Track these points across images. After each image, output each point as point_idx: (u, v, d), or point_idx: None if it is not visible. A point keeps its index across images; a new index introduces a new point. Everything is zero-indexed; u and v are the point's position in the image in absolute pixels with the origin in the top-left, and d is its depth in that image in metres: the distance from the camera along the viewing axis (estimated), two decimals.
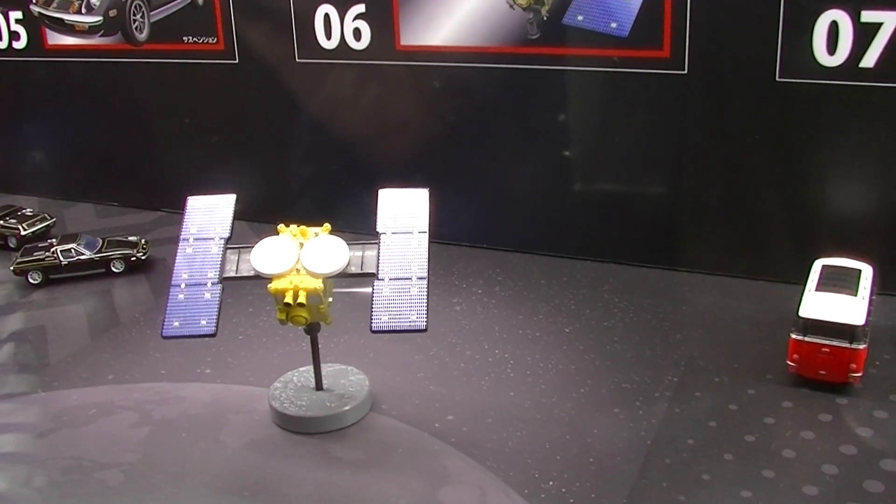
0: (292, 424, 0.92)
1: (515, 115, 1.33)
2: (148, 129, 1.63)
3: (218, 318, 0.83)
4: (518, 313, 1.17)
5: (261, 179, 1.55)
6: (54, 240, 1.39)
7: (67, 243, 1.37)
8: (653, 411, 0.94)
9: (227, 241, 0.87)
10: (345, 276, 0.86)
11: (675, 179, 1.27)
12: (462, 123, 1.37)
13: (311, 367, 0.96)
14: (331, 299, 0.89)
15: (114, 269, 1.37)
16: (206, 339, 0.85)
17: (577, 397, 0.97)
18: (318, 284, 0.83)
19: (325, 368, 0.97)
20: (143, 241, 1.42)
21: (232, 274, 0.86)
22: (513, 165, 1.36)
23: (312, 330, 0.91)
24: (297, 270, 0.84)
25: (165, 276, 1.36)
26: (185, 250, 0.87)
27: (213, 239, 0.87)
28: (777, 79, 1.14)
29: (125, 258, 1.37)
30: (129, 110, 1.64)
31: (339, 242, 0.86)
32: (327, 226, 0.88)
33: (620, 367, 1.02)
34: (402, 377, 1.02)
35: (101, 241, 1.40)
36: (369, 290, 0.85)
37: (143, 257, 1.38)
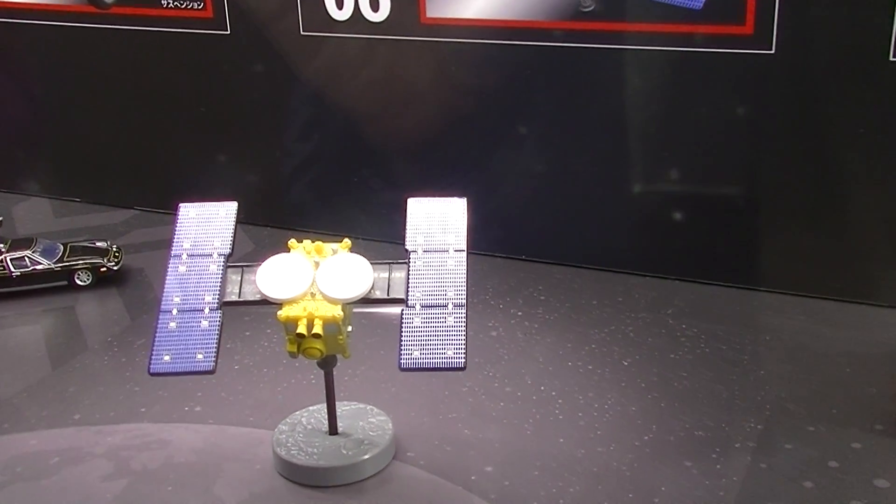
0: (301, 476, 0.93)
1: (562, 102, 1.33)
2: (118, 110, 1.64)
3: (217, 352, 0.84)
4: (566, 341, 1.18)
5: (256, 174, 1.57)
6: (2, 245, 1.40)
7: (20, 249, 1.38)
8: (732, 466, 0.94)
9: (228, 258, 0.89)
10: (368, 303, 0.87)
11: (754, 180, 1.27)
12: (497, 112, 1.38)
13: (323, 407, 0.97)
14: (350, 328, 0.90)
15: (79, 282, 1.38)
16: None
17: (640, 446, 0.98)
18: (336, 312, 0.84)
19: (341, 408, 0.98)
20: (114, 247, 1.43)
21: (234, 298, 0.87)
22: (558, 162, 1.37)
23: (328, 364, 0.92)
24: (312, 295, 0.85)
25: (143, 291, 1.38)
26: (176, 269, 0.88)
27: (210, 256, 0.88)
28: (890, 58, 1.13)
29: (93, 268, 1.38)
30: (95, 86, 1.65)
31: (361, 262, 0.87)
32: (347, 241, 0.89)
33: (691, 409, 1.03)
34: (430, 418, 1.03)
35: (61, 248, 1.41)
36: (392, 309, 0.86)
37: (115, 267, 1.39)
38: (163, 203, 1.61)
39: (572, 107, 1.33)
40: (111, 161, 1.69)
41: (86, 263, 1.39)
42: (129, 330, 1.26)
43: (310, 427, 0.98)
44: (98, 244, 1.44)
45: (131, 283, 1.40)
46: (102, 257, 1.40)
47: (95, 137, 1.69)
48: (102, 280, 1.39)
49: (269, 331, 1.22)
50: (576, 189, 1.37)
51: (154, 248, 1.50)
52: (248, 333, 1.22)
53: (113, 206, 1.68)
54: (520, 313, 1.25)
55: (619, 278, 1.34)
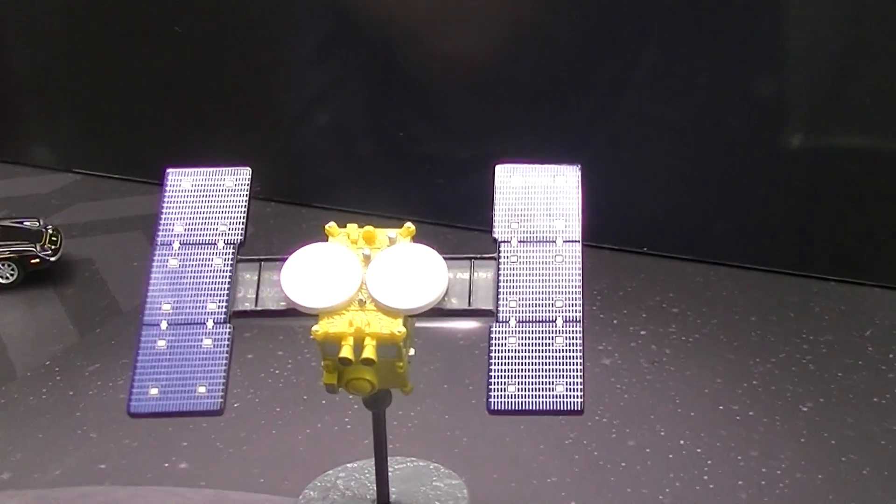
0: None
1: (701, 24, 1.34)
2: (51, 31, 1.67)
3: (227, 383, 0.87)
4: (713, 374, 1.20)
5: (253, 122, 1.60)
6: None
7: None
8: None
9: (240, 248, 0.91)
10: (441, 315, 0.89)
11: None
12: (599, 33, 1.39)
13: (368, 464, 0.99)
14: (413, 352, 0.92)
15: (0, 279, 1.43)
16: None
17: None
18: (396, 328, 0.86)
19: (394, 466, 1.00)
20: (49, 227, 1.48)
21: (248, 306, 0.88)
22: (694, 111, 1.38)
23: (379, 402, 0.93)
24: (361, 303, 0.87)
25: (95, 292, 1.39)
26: (165, 263, 0.90)
27: (214, 245, 0.90)
28: None
29: (20, 259, 1.42)
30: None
31: (430, 256, 0.88)
32: (410, 226, 0.91)
33: None
34: (521, 483, 1.04)
35: None
36: (469, 324, 0.86)
37: (51, 258, 1.44)
38: (117, 164, 1.64)
39: (717, 32, 1.34)
40: (41, 104, 1.72)
41: (9, 252, 1.43)
42: (77, 350, 1.30)
43: (349, 493, 1.00)
44: (26, 224, 1.48)
45: (76, 281, 1.44)
46: (33, 243, 1.44)
47: (18, 70, 1.72)
48: (34, 276, 1.43)
49: (280, 352, 1.25)
50: (722, 151, 1.38)
51: (107, 229, 1.52)
52: (250, 356, 1.25)
53: (45, 168, 1.72)
54: (643, 332, 1.27)
55: (789, 282, 1.35)
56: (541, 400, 0.87)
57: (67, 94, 1.69)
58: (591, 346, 1.25)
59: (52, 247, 1.44)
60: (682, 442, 1.10)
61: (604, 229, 1.43)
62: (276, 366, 1.23)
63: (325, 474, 1.04)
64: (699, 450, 1.08)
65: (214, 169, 0.96)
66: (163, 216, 0.94)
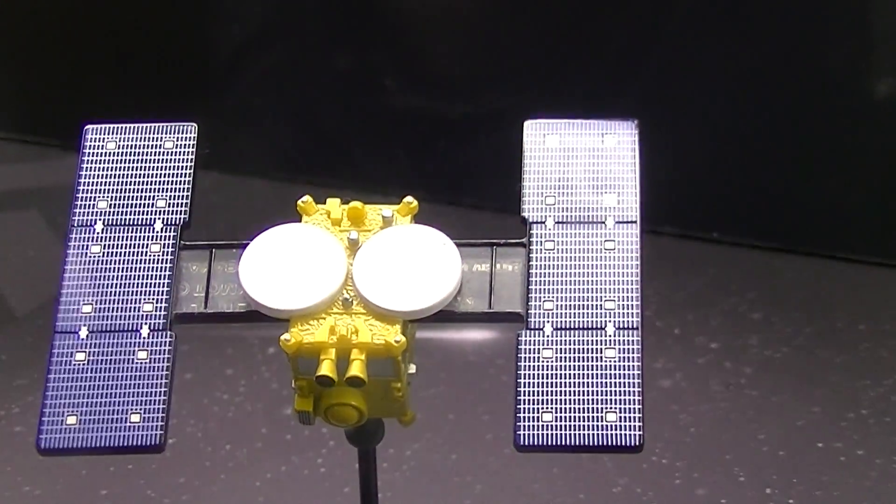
0: None
1: None
2: None
3: (168, 409, 0.87)
4: (810, 401, 1.21)
5: (185, 77, 1.62)
6: None
7: None
8: None
9: (184, 230, 0.91)
10: (453, 321, 0.90)
11: None
12: None
13: None
14: (414, 368, 0.93)
15: None
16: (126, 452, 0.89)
17: None
18: (393, 337, 0.86)
19: None
20: None
21: (196, 308, 0.89)
22: (757, 50, 1.40)
23: (369, 437, 0.94)
24: (346, 302, 0.88)
25: None
26: (84, 249, 0.91)
27: (150, 226, 0.91)
28: None
29: None
30: None
31: (438, 241, 0.90)
32: (411, 201, 0.92)
33: None
34: None
35: None
36: (477, 333, 0.86)
37: None
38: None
39: None
40: None
41: None
42: None
43: None
44: None
45: None
46: None
47: None
48: None
49: (230, 371, 1.25)
50: (814, 105, 1.40)
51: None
52: (189, 377, 1.26)
53: None
54: (714, 345, 1.29)
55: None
56: (586, 433, 0.87)
57: None
58: (646, 364, 1.25)
59: None
60: (767, 490, 1.11)
61: (659, 209, 1.44)
62: (224, 389, 1.24)
63: None
64: (791, 500, 1.10)
65: (148, 125, 0.96)
66: (81, 188, 0.95)
